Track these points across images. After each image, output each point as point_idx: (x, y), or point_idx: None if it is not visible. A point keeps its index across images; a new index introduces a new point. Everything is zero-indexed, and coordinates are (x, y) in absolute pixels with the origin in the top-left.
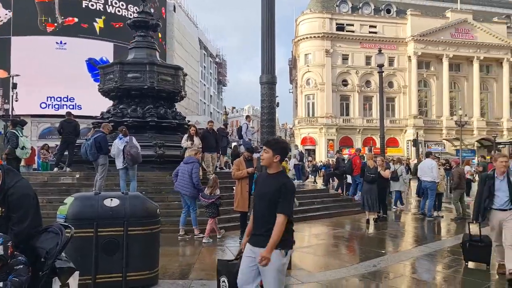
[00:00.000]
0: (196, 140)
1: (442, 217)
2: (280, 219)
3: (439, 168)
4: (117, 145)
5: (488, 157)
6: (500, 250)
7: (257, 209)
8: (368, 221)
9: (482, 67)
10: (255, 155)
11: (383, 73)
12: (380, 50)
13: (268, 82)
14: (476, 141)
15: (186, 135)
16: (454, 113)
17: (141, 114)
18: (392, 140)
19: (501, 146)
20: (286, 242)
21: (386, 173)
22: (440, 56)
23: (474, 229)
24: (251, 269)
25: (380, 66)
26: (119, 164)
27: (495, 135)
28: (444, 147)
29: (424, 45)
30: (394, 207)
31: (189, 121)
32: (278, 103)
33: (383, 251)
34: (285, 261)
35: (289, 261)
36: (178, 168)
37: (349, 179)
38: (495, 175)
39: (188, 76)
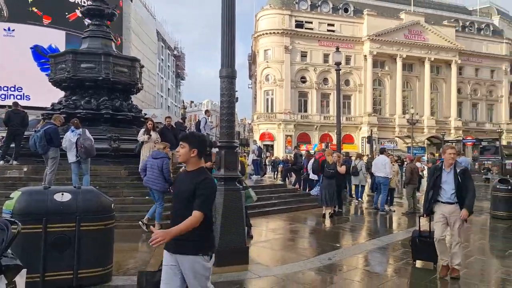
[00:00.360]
0: (154, 135)
1: (394, 211)
2: (195, 214)
3: (392, 164)
4: (69, 138)
5: (437, 154)
6: (441, 247)
7: (176, 210)
8: (324, 216)
9: (432, 68)
10: (213, 150)
11: (340, 71)
12: (337, 48)
13: (228, 76)
14: (426, 138)
15: (143, 129)
16: (406, 111)
17: (95, 106)
18: (348, 136)
19: (448, 144)
20: (206, 245)
21: (342, 169)
22: (394, 56)
23: (424, 224)
24: (175, 278)
25: (338, 64)
26: (71, 157)
27: (443, 133)
28: (396, 144)
29: (379, 44)
30: (359, 199)
31: (145, 114)
32: (237, 98)
33: (338, 245)
34: (209, 266)
35: (246, 258)
36: (146, 162)
37: (312, 175)
38: (443, 167)
39: (145, 68)
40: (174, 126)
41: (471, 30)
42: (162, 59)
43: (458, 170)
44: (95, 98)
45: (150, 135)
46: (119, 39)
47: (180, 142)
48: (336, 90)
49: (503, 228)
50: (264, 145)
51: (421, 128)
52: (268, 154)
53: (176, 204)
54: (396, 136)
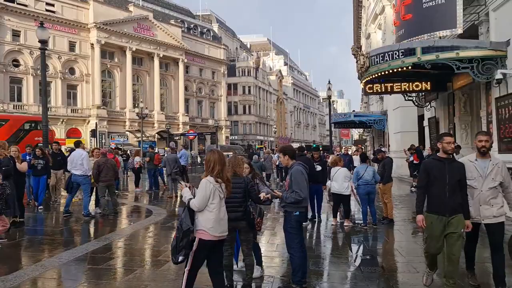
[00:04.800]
0: None
1: (100, 213)
2: None
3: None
4: None
5: (166, 148)
6: None
7: None
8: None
9: (162, 64)
10: None
11: (45, 51)
12: (42, 24)
13: None
14: (156, 133)
15: None
16: (137, 105)
17: None
18: (74, 130)
19: (176, 138)
20: None
21: (23, 166)
22: (124, 48)
23: None
24: None
25: (42, 42)
26: None
27: (168, 127)
28: (128, 138)
29: (108, 34)
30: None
31: None
32: None
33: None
34: None
35: None
36: None
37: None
38: None
39: None
40: None
41: (195, 33)
42: None
43: None
44: None
45: None
46: None
47: None
48: (41, 75)
49: None
50: None
51: (152, 122)
52: None
53: None
54: (127, 130)
